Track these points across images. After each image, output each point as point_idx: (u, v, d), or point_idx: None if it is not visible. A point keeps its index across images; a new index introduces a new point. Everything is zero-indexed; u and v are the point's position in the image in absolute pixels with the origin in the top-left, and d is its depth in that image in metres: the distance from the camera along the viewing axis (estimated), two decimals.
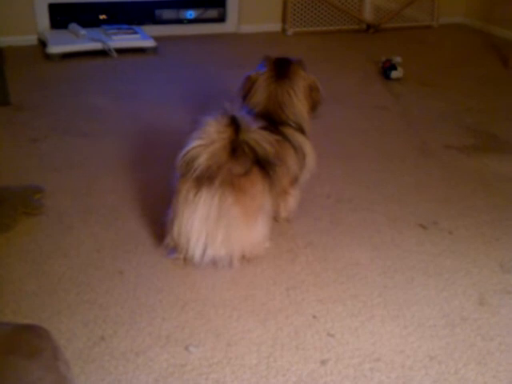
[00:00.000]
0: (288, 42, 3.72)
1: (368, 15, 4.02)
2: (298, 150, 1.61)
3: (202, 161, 1.36)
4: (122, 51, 3.17)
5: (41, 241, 1.60)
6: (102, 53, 3.14)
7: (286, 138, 1.58)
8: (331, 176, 2.03)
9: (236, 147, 1.38)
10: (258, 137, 1.41)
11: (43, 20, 3.32)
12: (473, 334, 1.34)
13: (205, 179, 1.37)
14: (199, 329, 1.32)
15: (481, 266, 1.58)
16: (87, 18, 3.42)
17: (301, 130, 1.63)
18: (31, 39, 3.30)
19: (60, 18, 3.36)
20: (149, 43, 3.25)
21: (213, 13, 3.72)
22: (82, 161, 2.05)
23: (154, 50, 3.25)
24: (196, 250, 1.43)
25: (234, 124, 1.38)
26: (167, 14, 3.62)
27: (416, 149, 2.26)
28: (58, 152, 2.10)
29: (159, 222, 1.70)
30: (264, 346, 1.28)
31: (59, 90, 2.68)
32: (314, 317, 1.37)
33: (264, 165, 1.43)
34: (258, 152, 1.40)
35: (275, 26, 3.89)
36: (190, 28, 3.69)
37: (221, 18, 3.75)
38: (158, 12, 3.59)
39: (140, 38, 3.27)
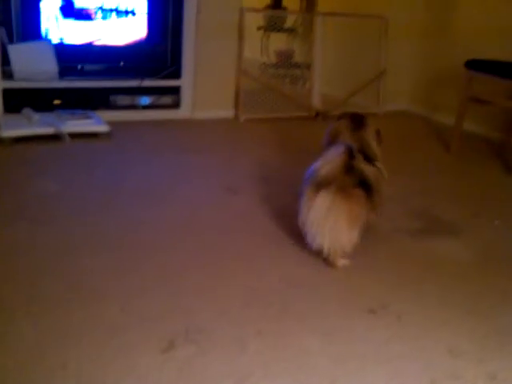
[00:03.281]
0: (241, 127, 3.83)
1: (317, 103, 4.20)
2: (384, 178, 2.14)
3: (322, 172, 1.87)
4: (75, 136, 3.19)
5: None
6: (55, 137, 3.15)
7: (378, 168, 2.11)
8: (283, 259, 2.03)
9: (348, 168, 1.88)
10: (364, 166, 1.96)
11: None
12: None
13: (323, 185, 1.86)
14: None
15: (430, 351, 1.58)
16: (42, 103, 3.45)
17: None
18: None
19: (14, 102, 3.38)
20: (102, 128, 3.28)
21: (167, 99, 3.82)
22: (29, 248, 2.00)
23: (107, 135, 3.29)
24: (312, 237, 1.92)
25: (350, 152, 1.89)
26: (122, 99, 3.69)
27: (364, 232, 2.30)
28: (5, 239, 2.05)
29: (107, 310, 1.66)
30: None
31: (10, 174, 2.65)
32: None
33: (366, 186, 1.92)
34: (363, 176, 1.92)
35: (228, 113, 4.01)
36: (145, 113, 3.77)
37: (175, 105, 3.85)
38: (112, 98, 3.66)
39: (94, 122, 3.30)
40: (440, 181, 3.07)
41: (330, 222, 1.87)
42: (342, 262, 1.98)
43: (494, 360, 1.56)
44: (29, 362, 1.43)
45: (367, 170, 1.95)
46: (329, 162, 1.88)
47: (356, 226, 1.91)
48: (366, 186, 1.92)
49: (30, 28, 3.42)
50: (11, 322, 1.58)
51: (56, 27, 3.51)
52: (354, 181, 1.89)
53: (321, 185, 1.86)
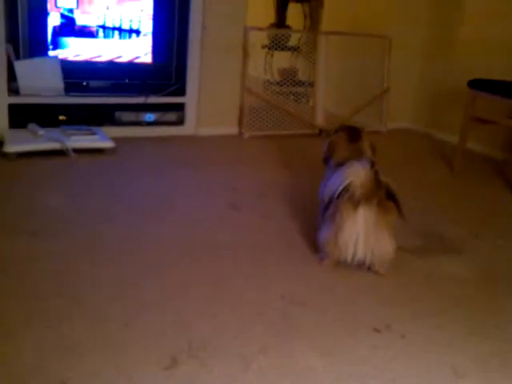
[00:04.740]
0: (244, 144, 3.85)
1: (320, 121, 4.22)
2: None
3: (357, 188, 1.92)
4: (80, 151, 3.21)
5: None
6: (60, 153, 3.16)
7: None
8: (285, 276, 2.03)
9: (378, 182, 1.95)
10: (386, 179, 2.00)
11: (2, 119, 3.36)
12: None
13: (361, 201, 1.93)
14: None
15: (434, 371, 1.57)
16: (47, 119, 3.47)
17: None
18: None
19: (19, 117, 3.41)
20: (107, 144, 3.30)
21: (172, 116, 3.84)
22: (29, 261, 2.00)
23: (112, 151, 3.30)
24: (351, 252, 1.98)
25: (374, 166, 1.97)
26: (127, 116, 3.71)
27: None
28: (6, 252, 2.05)
29: (109, 326, 1.66)
30: None
31: (13, 189, 2.66)
32: None
33: (391, 197, 2.00)
34: (389, 188, 1.99)
35: (232, 130, 4.03)
36: (150, 130, 3.79)
37: (180, 121, 3.88)
38: (117, 114, 3.68)
39: (98, 138, 3.32)
40: (442, 199, 3.07)
41: (375, 235, 1.96)
42: (385, 268, 2.07)
43: (498, 380, 1.55)
44: (29, 380, 1.42)
45: (389, 181, 2.01)
46: (358, 177, 1.93)
47: (393, 234, 2.02)
48: (391, 196, 2.00)
49: (37, 44, 3.46)
50: (11, 338, 1.57)
51: (62, 44, 3.54)
52: (384, 193, 1.98)
53: (359, 200, 1.93)
